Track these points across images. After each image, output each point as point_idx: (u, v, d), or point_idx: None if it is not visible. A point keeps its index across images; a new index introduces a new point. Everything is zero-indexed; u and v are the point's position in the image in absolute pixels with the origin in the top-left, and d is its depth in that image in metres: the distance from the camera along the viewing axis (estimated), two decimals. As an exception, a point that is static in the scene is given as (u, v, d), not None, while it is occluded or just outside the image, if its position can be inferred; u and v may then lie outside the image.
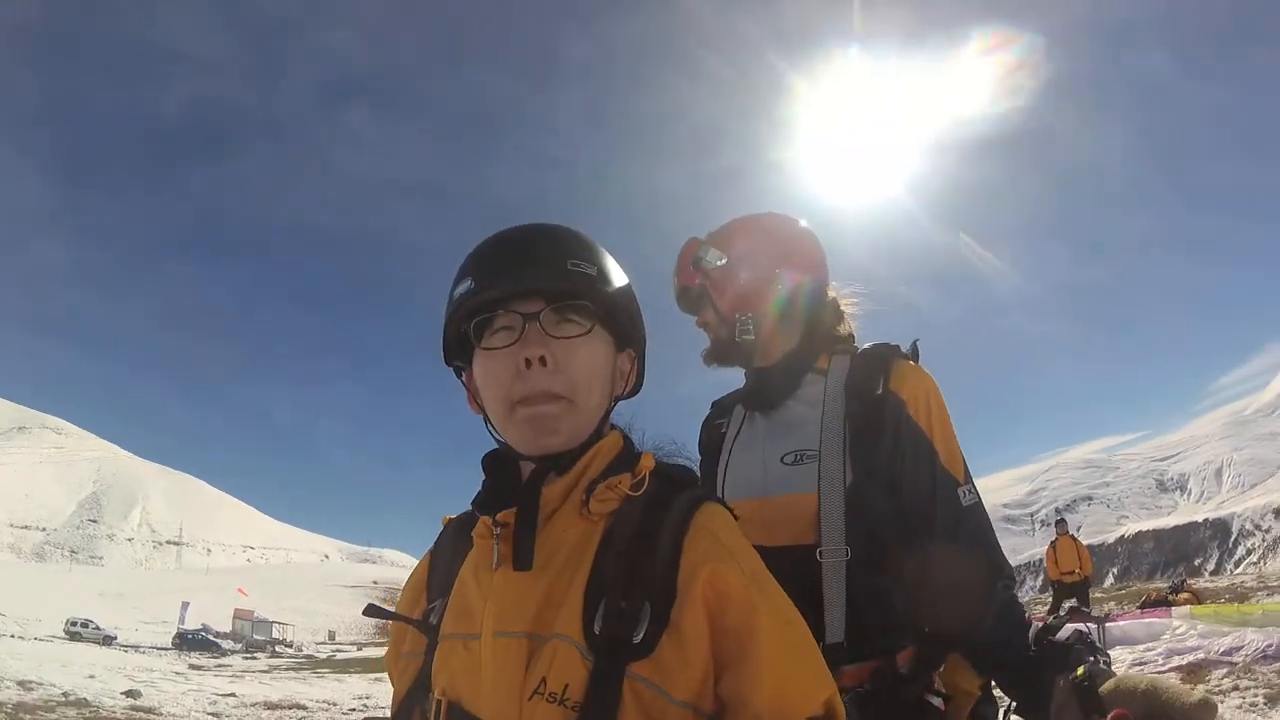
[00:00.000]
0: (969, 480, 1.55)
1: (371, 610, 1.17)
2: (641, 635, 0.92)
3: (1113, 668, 1.27)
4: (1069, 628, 1.41)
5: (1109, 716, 1.06)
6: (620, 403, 1.16)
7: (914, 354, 1.67)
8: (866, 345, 1.71)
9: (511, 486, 1.05)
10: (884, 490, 1.54)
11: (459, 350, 1.12)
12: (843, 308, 1.82)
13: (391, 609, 1.19)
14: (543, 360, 0.99)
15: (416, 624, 1.12)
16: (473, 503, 1.09)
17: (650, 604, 0.93)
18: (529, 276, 1.02)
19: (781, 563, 1.41)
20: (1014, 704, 1.44)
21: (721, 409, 1.89)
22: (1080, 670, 1.24)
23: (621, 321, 1.10)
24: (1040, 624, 1.44)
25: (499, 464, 1.10)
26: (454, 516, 1.22)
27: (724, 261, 1.70)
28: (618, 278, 1.11)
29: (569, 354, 1.02)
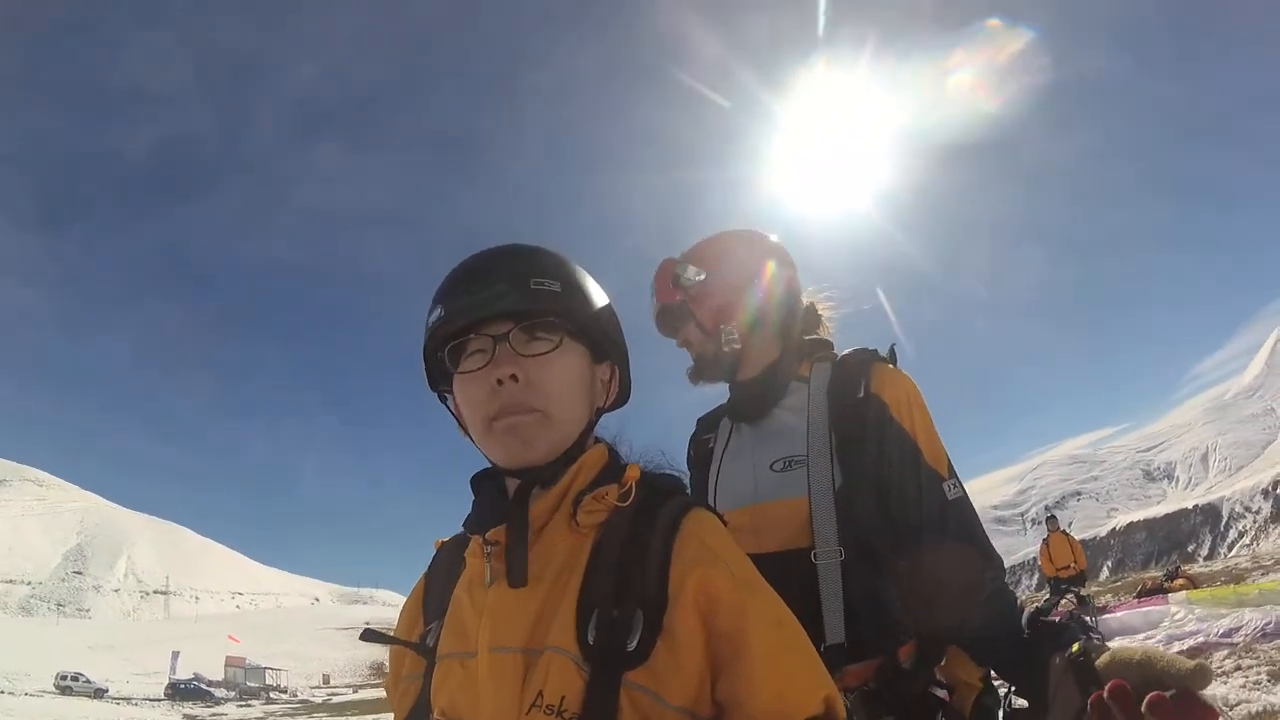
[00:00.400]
0: (953, 475, 1.58)
1: (369, 635, 1.18)
2: (635, 643, 0.92)
3: (1105, 644, 1.26)
4: (1059, 612, 1.55)
5: (1106, 687, 1.07)
6: (607, 416, 1.18)
7: (892, 357, 1.70)
8: (846, 351, 1.75)
9: (500, 505, 1.06)
10: (873, 491, 1.57)
11: (441, 377, 1.13)
12: (820, 313, 1.86)
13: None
14: (514, 377, 1.01)
15: (414, 646, 1.13)
16: (464, 524, 1.10)
17: (642, 612, 0.94)
18: (492, 300, 1.03)
19: (776, 568, 1.41)
20: (1014, 688, 1.46)
21: (707, 424, 1.91)
22: (1075, 646, 1.26)
23: (594, 333, 1.11)
24: (1034, 607, 1.44)
25: (487, 483, 1.11)
26: (446, 539, 1.23)
27: (703, 277, 1.73)
28: (588, 290, 1.12)
29: (541, 370, 1.03)
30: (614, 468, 1.11)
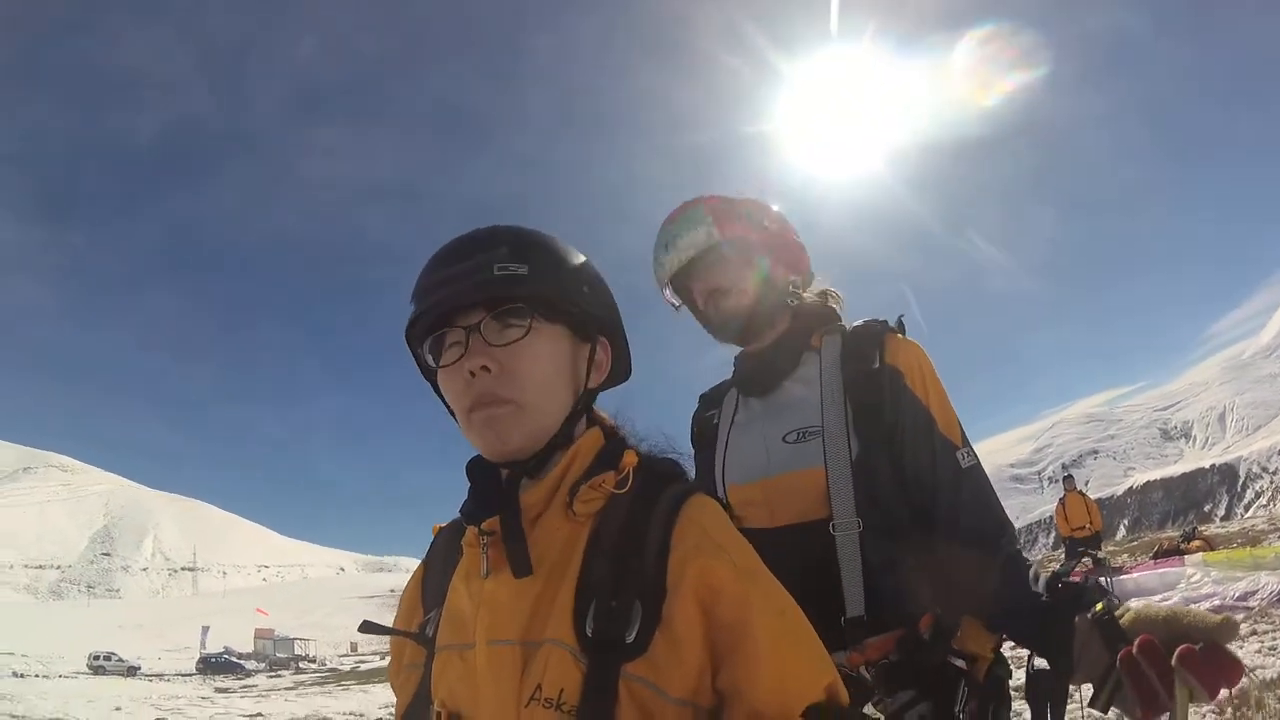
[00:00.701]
0: (966, 443, 1.59)
1: (367, 627, 1.16)
2: (634, 634, 0.91)
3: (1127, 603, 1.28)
4: (1078, 574, 1.57)
5: (1135, 642, 1.08)
6: (608, 393, 1.16)
7: (900, 328, 1.70)
8: (856, 323, 1.74)
9: (493, 494, 1.04)
10: (888, 460, 1.57)
11: (428, 370, 1.11)
12: (827, 288, 1.85)
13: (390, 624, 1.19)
14: (486, 368, 0.99)
15: (413, 637, 1.12)
16: (460, 511, 1.08)
17: (641, 602, 0.93)
18: (459, 292, 1.01)
19: (791, 540, 1.42)
20: (1034, 650, 1.45)
21: (710, 401, 1.89)
22: (1099, 606, 1.26)
23: (572, 312, 1.07)
24: (1051, 572, 1.45)
25: (481, 471, 1.08)
26: (444, 525, 1.21)
27: (774, 227, 1.72)
28: (562, 268, 1.08)
29: (513, 358, 1.00)
30: (611, 453, 1.08)
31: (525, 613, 0.97)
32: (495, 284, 1.01)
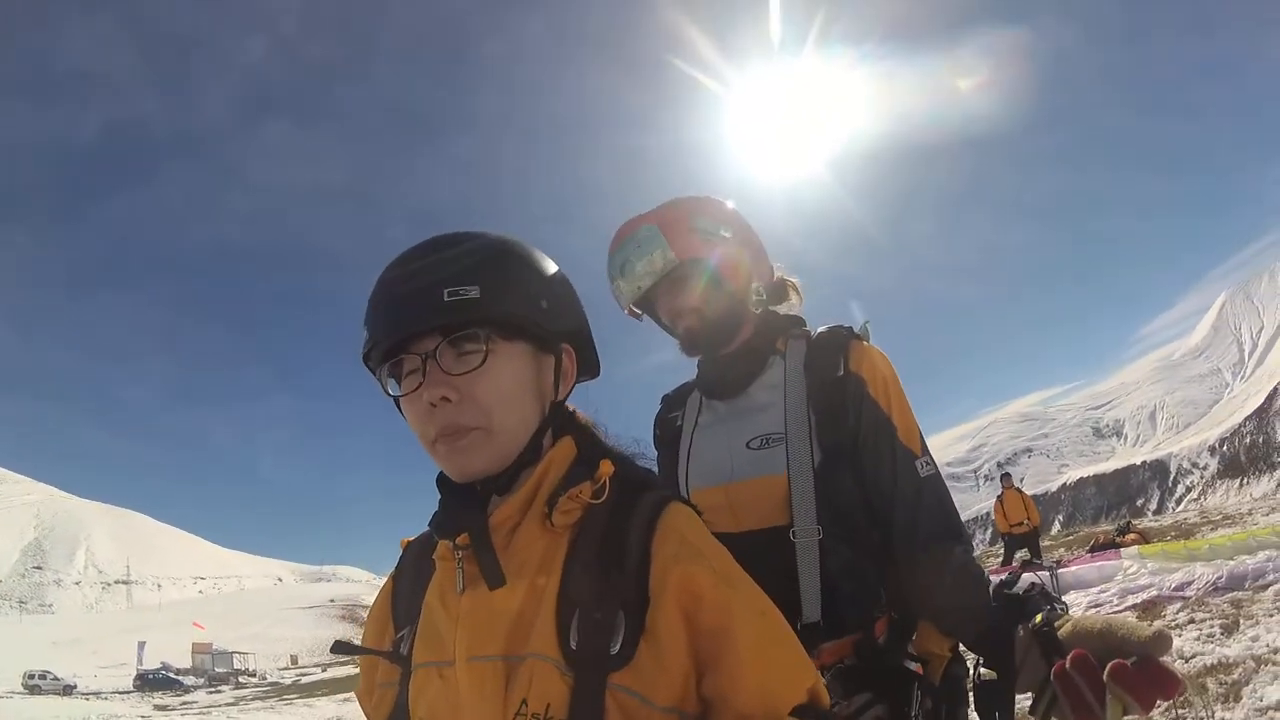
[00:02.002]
0: (926, 453, 1.59)
1: (340, 647, 1.14)
2: (619, 645, 0.91)
3: (1069, 613, 1.30)
4: (1025, 579, 1.45)
5: (1068, 656, 1.09)
6: (579, 389, 1.15)
7: (865, 335, 1.70)
8: (822, 329, 1.73)
9: (466, 508, 1.02)
10: (850, 468, 1.56)
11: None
12: (790, 289, 1.83)
13: (355, 639, 1.17)
14: (446, 399, 0.97)
15: (387, 655, 1.09)
16: (430, 524, 1.05)
17: (624, 612, 0.92)
18: (410, 320, 0.99)
19: (752, 546, 1.39)
20: (981, 659, 1.45)
21: (673, 402, 1.88)
22: (1038, 618, 1.27)
23: (534, 328, 1.04)
24: (998, 580, 1.46)
25: (453, 484, 1.05)
26: (412, 539, 1.19)
27: (729, 234, 1.68)
28: (515, 283, 1.04)
29: (473, 385, 0.98)
30: (584, 462, 1.06)
31: (506, 627, 0.95)
32: (446, 310, 0.98)
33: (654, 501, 1.02)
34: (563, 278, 1.13)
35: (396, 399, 1.05)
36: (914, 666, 1.52)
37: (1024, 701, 1.22)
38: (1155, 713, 5.21)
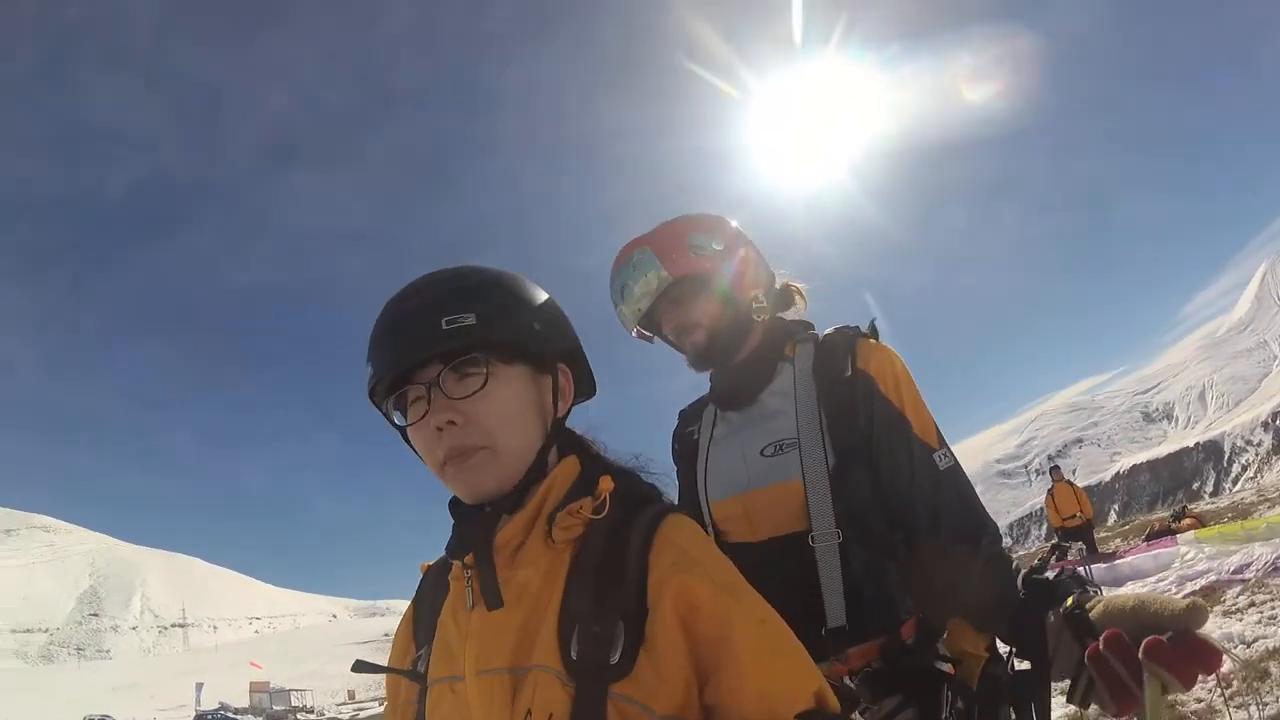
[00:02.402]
0: (943, 445, 1.58)
1: (361, 666, 1.18)
2: (618, 656, 0.93)
3: (1101, 594, 1.27)
4: (1058, 565, 1.53)
5: (1102, 636, 1.07)
6: (577, 410, 1.18)
7: (873, 333, 1.69)
8: (829, 330, 1.72)
9: (476, 528, 1.06)
10: (866, 468, 1.55)
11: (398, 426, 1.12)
12: (794, 293, 1.83)
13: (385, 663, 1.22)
14: (452, 422, 1.01)
15: (405, 674, 1.13)
16: (446, 548, 1.10)
17: (624, 623, 0.94)
18: (410, 351, 1.03)
19: (772, 554, 1.42)
20: (1014, 651, 1.44)
21: (689, 417, 1.88)
22: (1069, 601, 1.26)
23: (528, 350, 1.09)
24: (1027, 568, 1.43)
25: (464, 507, 1.10)
26: (432, 563, 1.23)
27: (721, 247, 1.68)
28: (509, 307, 1.09)
29: (476, 408, 1.02)
30: (587, 479, 1.09)
31: (511, 641, 0.98)
32: (446, 338, 1.02)
33: (652, 514, 1.05)
34: (553, 302, 1.17)
35: (403, 430, 1.09)
36: (946, 667, 1.50)
37: (1059, 692, 1.21)
38: (1214, 697, 5.00)
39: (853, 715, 1.35)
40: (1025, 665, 1.40)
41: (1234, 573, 9.01)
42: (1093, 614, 1.20)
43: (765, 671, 0.93)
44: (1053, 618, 1.27)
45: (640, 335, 1.79)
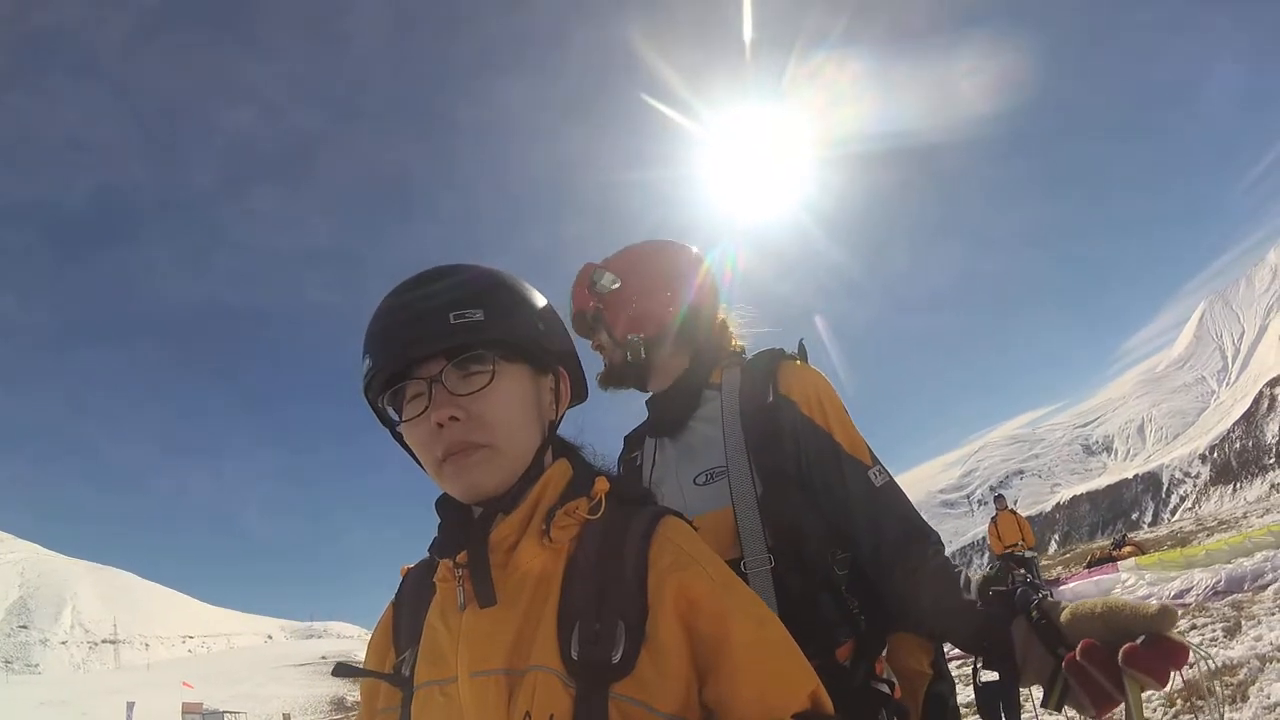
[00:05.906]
0: (876, 461, 1.57)
1: (342, 670, 1.15)
2: (619, 655, 0.92)
3: (1059, 600, 1.29)
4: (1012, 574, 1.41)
5: (1078, 648, 1.07)
6: (568, 415, 1.18)
7: (802, 353, 1.70)
8: (753, 355, 1.75)
9: (465, 528, 1.05)
10: (797, 493, 1.55)
11: (389, 421, 1.10)
12: (731, 327, 1.86)
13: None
14: (454, 418, 1.00)
15: (389, 678, 1.10)
16: (430, 548, 1.09)
17: (624, 622, 0.94)
18: (416, 343, 1.01)
19: None
20: (979, 661, 1.42)
21: (633, 443, 1.88)
22: (1032, 611, 1.26)
23: (531, 350, 1.09)
24: (981, 578, 1.44)
25: (451, 506, 1.09)
26: (412, 566, 1.21)
27: (618, 285, 1.74)
28: (516, 307, 1.09)
29: (479, 404, 1.01)
30: (581, 480, 1.10)
31: (507, 641, 0.97)
32: (453, 333, 1.00)
33: (650, 515, 1.05)
34: (551, 306, 1.18)
35: (395, 428, 1.07)
36: (884, 688, 1.49)
37: (1029, 696, 1.22)
38: (1166, 717, 5.06)
39: None
40: (991, 676, 1.41)
41: (1174, 598, 9.23)
42: (1060, 620, 1.20)
43: (762, 671, 0.93)
44: (1017, 625, 1.28)
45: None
